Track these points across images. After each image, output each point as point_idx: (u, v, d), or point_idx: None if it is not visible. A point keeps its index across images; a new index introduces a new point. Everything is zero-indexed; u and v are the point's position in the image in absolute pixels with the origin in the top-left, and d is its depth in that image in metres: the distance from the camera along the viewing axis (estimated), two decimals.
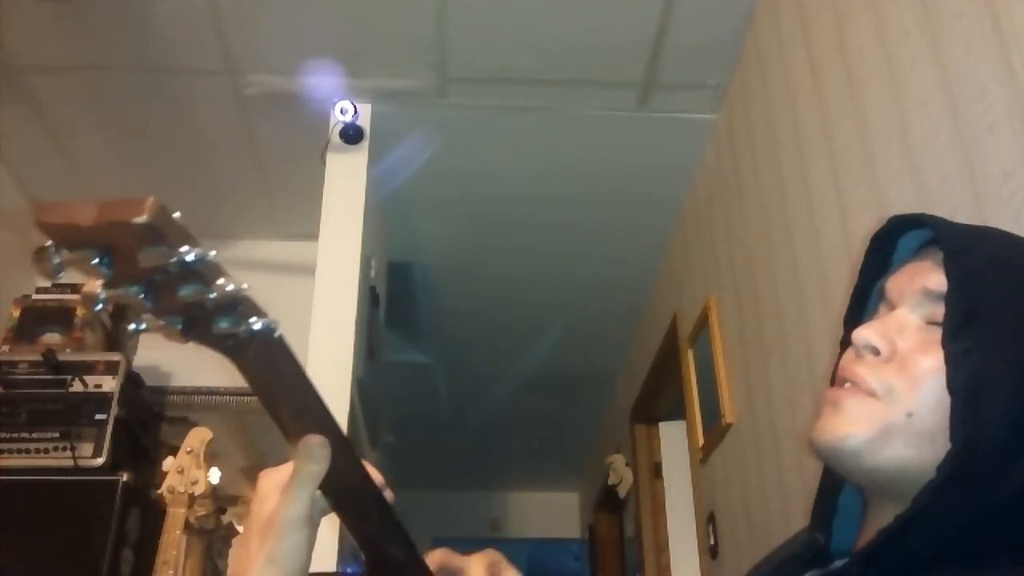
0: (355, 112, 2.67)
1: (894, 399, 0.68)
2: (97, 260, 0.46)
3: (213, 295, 0.48)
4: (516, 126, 2.89)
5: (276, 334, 0.53)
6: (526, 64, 2.64)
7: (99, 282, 0.48)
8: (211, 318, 0.50)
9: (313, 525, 0.63)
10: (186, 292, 0.48)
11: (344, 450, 0.60)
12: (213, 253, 0.48)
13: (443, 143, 2.95)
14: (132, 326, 0.50)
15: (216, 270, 0.48)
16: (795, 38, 2.20)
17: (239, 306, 0.50)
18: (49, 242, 0.47)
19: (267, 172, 3.16)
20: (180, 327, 0.50)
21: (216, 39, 2.55)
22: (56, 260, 0.46)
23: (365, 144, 2.76)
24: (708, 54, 2.60)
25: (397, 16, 2.48)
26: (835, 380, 0.75)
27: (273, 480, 0.63)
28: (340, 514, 0.63)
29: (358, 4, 2.44)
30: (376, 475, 0.65)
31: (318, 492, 0.60)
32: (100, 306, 0.48)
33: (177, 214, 0.47)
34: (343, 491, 0.62)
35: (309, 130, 2.78)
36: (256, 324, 0.51)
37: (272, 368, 0.55)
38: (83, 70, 2.69)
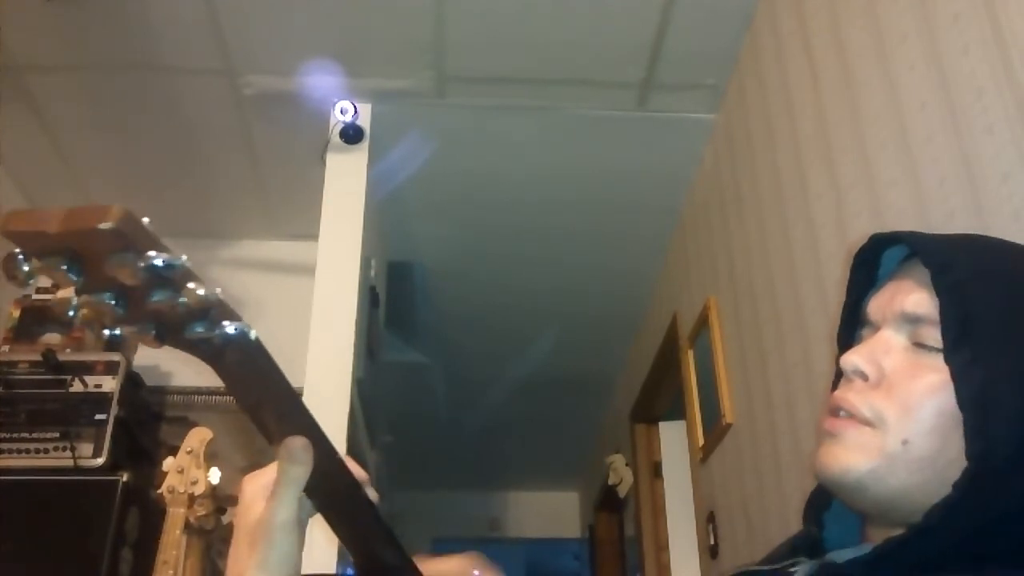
0: (355, 112, 2.67)
1: (886, 427, 0.69)
2: (65, 267, 0.46)
3: (183, 300, 0.48)
4: (515, 126, 2.89)
5: (252, 338, 0.53)
6: (525, 64, 2.64)
7: (71, 289, 0.48)
8: (184, 323, 0.50)
9: (301, 526, 0.62)
10: (157, 298, 0.48)
11: (327, 453, 0.60)
12: (184, 258, 0.48)
13: (442, 143, 2.95)
14: (106, 332, 0.50)
15: (186, 275, 0.48)
16: (793, 40, 2.20)
17: (211, 311, 0.50)
18: (18, 250, 0.46)
19: (267, 172, 3.16)
20: (154, 332, 0.50)
21: (215, 39, 2.55)
22: (25, 268, 0.46)
23: (365, 144, 2.76)
24: (707, 54, 2.60)
25: (396, 16, 2.48)
26: (830, 407, 0.75)
27: (257, 484, 0.63)
28: (326, 517, 0.63)
29: (357, 4, 2.44)
30: (359, 472, 0.65)
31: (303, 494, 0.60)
32: (73, 313, 0.48)
33: (146, 220, 0.46)
34: (328, 494, 0.62)
35: (308, 130, 2.78)
36: (229, 328, 0.51)
37: (250, 372, 0.55)
38: (81, 70, 2.69)
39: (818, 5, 2.06)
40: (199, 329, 0.50)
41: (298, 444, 0.58)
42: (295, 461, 0.58)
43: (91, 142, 2.99)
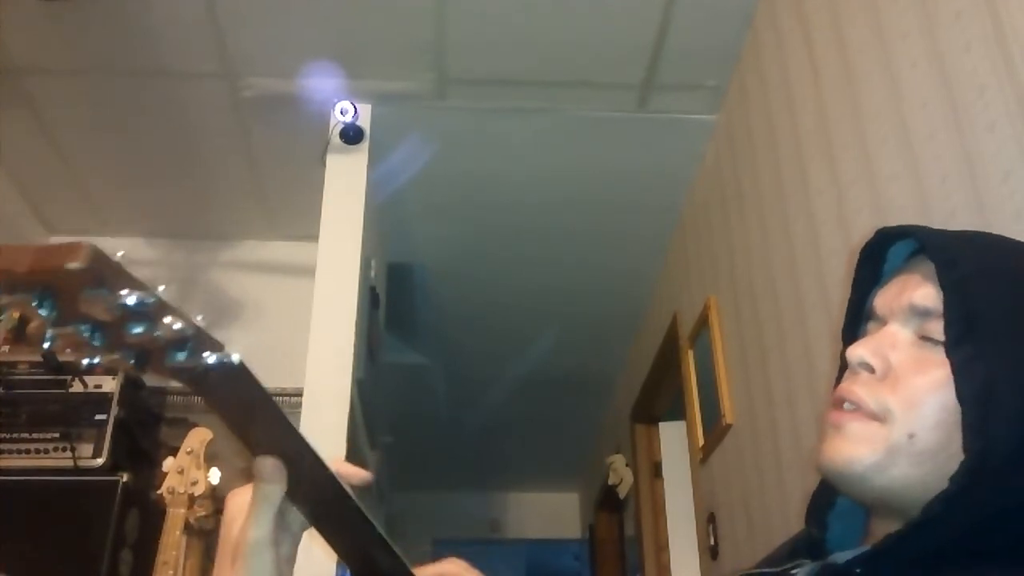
0: (355, 112, 2.67)
1: (893, 420, 0.69)
2: (36, 303, 0.46)
3: (159, 334, 0.48)
4: (516, 128, 2.89)
5: (236, 362, 0.52)
6: (526, 66, 2.64)
7: (43, 321, 0.47)
8: (164, 353, 0.50)
9: (294, 540, 0.64)
10: (134, 331, 0.48)
11: (315, 466, 0.60)
12: (161, 290, 0.48)
13: (443, 144, 2.95)
14: (85, 361, 0.49)
15: (163, 309, 0.48)
16: (794, 38, 2.20)
17: (190, 342, 0.50)
18: None
19: (267, 174, 3.16)
20: (133, 362, 0.50)
21: (214, 42, 2.54)
22: None
23: (365, 145, 2.75)
24: (708, 55, 2.60)
25: (397, 18, 2.48)
26: (834, 399, 0.75)
27: (239, 501, 0.64)
28: (318, 528, 0.63)
29: (357, 6, 2.43)
30: (360, 473, 0.65)
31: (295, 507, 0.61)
32: (48, 344, 0.48)
33: (120, 253, 0.46)
34: (317, 506, 0.62)
35: (308, 132, 2.78)
36: (210, 359, 0.51)
37: (234, 394, 0.55)
38: (82, 73, 2.69)
39: (819, 3, 2.06)
40: (180, 357, 0.50)
41: (268, 464, 0.59)
42: (267, 480, 0.59)
43: (91, 144, 2.99)
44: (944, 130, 1.48)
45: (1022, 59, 1.28)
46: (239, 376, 0.54)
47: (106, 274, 0.45)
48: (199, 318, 0.50)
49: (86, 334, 0.48)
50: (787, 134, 2.24)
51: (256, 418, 0.58)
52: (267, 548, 0.60)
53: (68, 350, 0.49)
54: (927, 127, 1.54)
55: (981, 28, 1.38)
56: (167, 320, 0.48)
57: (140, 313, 0.47)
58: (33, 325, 0.48)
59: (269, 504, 0.60)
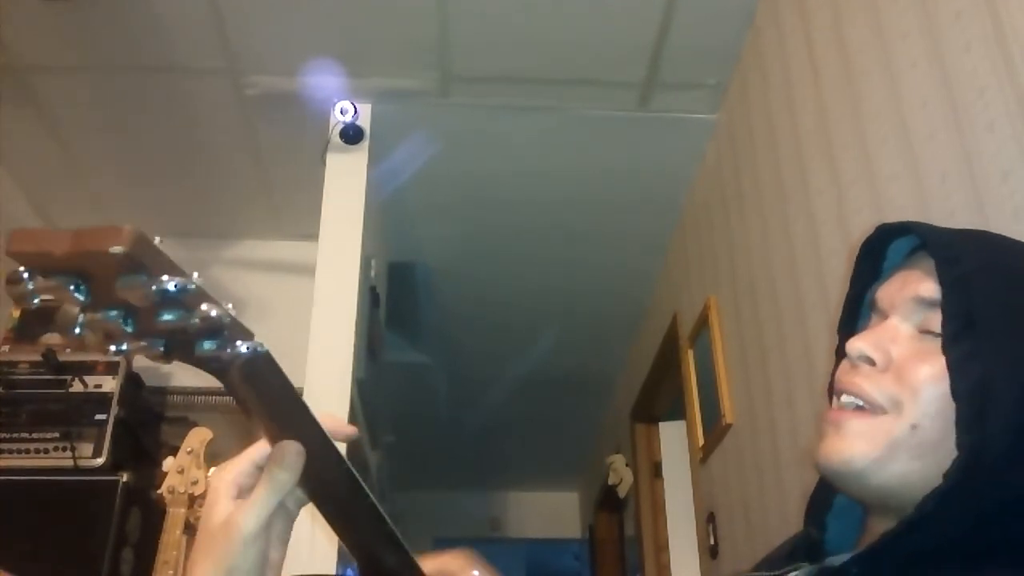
0: (355, 112, 2.67)
1: (899, 410, 0.69)
2: (73, 287, 0.45)
3: (195, 321, 0.48)
4: (518, 126, 2.89)
5: (263, 352, 0.52)
6: (528, 64, 2.64)
7: (77, 306, 0.47)
8: (194, 341, 0.49)
9: (290, 518, 0.60)
10: (167, 317, 0.47)
11: (334, 460, 0.59)
12: (196, 277, 0.47)
13: (444, 143, 2.95)
14: (112, 348, 0.49)
15: (199, 296, 0.48)
16: (795, 38, 2.20)
17: (224, 331, 0.50)
18: (23, 268, 0.45)
19: (269, 172, 3.16)
20: (162, 349, 0.49)
21: (218, 39, 2.55)
22: (30, 287, 0.45)
23: (365, 144, 2.76)
24: (709, 54, 2.61)
25: (399, 16, 2.48)
26: (832, 391, 0.75)
27: (223, 479, 0.59)
28: (331, 523, 0.62)
29: (361, 5, 2.44)
30: (342, 426, 0.63)
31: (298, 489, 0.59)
32: (79, 331, 0.47)
33: (158, 239, 0.46)
34: (333, 500, 0.61)
35: (312, 130, 2.78)
36: (241, 347, 0.51)
37: (259, 384, 0.54)
38: (85, 70, 2.69)
39: (820, 2, 2.06)
40: (209, 346, 0.50)
41: (292, 449, 0.56)
42: (285, 466, 0.56)
43: (94, 142, 2.99)
44: (944, 130, 1.48)
45: (1022, 59, 1.28)
46: (265, 367, 0.53)
47: (147, 259, 0.45)
48: (230, 306, 0.50)
49: (119, 320, 0.47)
50: (787, 134, 2.24)
51: (278, 409, 0.57)
52: (261, 538, 0.56)
53: (99, 335, 0.48)
54: (927, 127, 1.54)
55: (981, 28, 1.38)
56: (203, 308, 0.48)
57: (176, 300, 0.47)
58: (65, 310, 0.47)
59: (278, 492, 0.56)
